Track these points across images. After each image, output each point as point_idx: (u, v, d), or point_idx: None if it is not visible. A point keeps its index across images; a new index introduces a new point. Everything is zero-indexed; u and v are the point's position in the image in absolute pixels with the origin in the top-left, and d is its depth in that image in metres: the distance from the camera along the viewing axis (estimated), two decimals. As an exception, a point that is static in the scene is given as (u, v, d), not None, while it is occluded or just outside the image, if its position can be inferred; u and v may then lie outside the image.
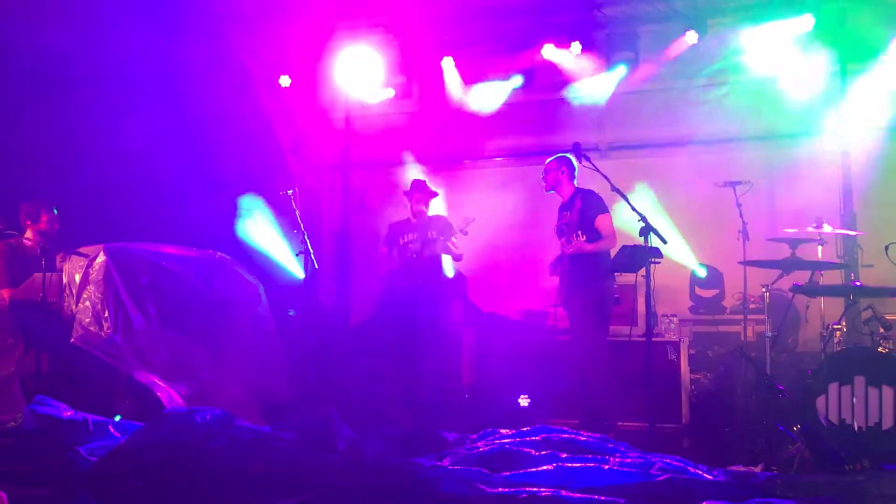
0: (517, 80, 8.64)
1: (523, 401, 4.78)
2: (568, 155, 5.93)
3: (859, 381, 4.26)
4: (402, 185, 7.50)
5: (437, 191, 7.15)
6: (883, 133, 8.33)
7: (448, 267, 8.32)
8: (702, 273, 8.04)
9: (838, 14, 7.81)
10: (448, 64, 8.73)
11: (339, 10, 8.65)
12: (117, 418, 4.81)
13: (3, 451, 4.22)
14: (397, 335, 6.79)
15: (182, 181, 7.30)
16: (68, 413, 4.50)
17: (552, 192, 6.12)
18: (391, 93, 9.10)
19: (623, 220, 5.86)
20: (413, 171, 8.88)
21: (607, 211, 5.82)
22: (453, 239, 6.65)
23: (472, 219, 6.60)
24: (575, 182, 6.03)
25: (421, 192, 6.97)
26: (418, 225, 6.92)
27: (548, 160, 6.11)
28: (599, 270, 5.82)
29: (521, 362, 6.84)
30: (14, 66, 7.20)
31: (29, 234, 6.08)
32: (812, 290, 5.23)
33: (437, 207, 7.35)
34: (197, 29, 8.24)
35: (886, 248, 4.66)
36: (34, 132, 7.30)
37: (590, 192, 5.91)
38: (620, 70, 8.42)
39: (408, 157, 9.36)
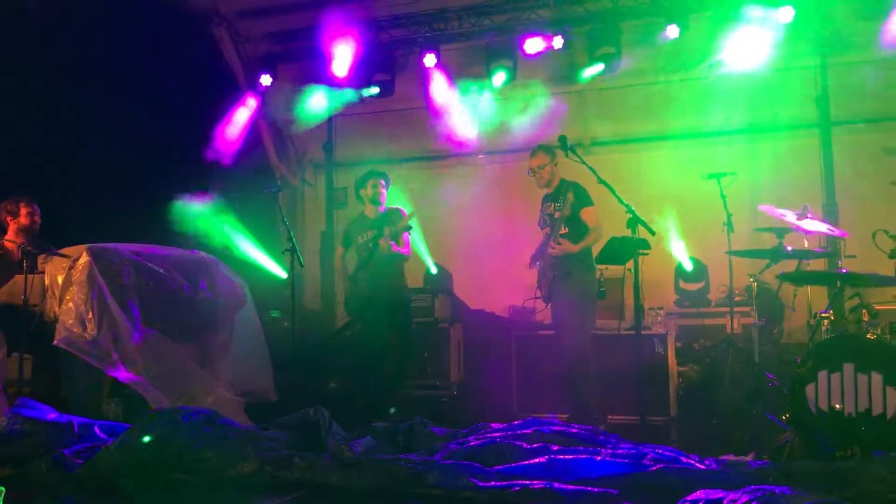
0: (501, 76, 8.61)
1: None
2: (552, 147, 5.87)
3: (848, 368, 4.25)
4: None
5: (391, 179, 6.70)
6: (863, 125, 8.43)
7: (431, 264, 8.31)
8: (689, 266, 8.06)
9: (818, 7, 7.86)
10: (430, 60, 8.70)
11: (322, 6, 8.62)
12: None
13: (-14, 455, 4.15)
14: (375, 334, 6.65)
15: (165, 179, 7.24)
16: (52, 415, 4.43)
17: (546, 186, 6.01)
18: (375, 90, 9.06)
19: (608, 213, 5.86)
20: (397, 168, 8.85)
21: (593, 204, 5.80)
22: (399, 236, 6.31)
23: (411, 214, 6.31)
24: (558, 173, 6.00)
25: (373, 177, 6.50)
26: (375, 221, 6.51)
27: (536, 152, 5.99)
28: (581, 263, 5.80)
29: (510, 357, 6.84)
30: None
31: (11, 232, 6.03)
32: (798, 277, 5.25)
33: (399, 201, 6.96)
34: (179, 26, 8.18)
35: (874, 235, 4.69)
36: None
37: (577, 184, 5.82)
38: (601, 66, 8.41)
39: (391, 154, 9.35)
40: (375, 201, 6.51)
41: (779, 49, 8.19)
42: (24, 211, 6.03)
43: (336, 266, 6.81)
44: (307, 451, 4.14)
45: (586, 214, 5.75)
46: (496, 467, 3.89)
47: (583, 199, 5.76)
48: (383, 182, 6.55)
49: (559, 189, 5.84)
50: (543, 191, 6.09)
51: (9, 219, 6.03)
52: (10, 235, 6.03)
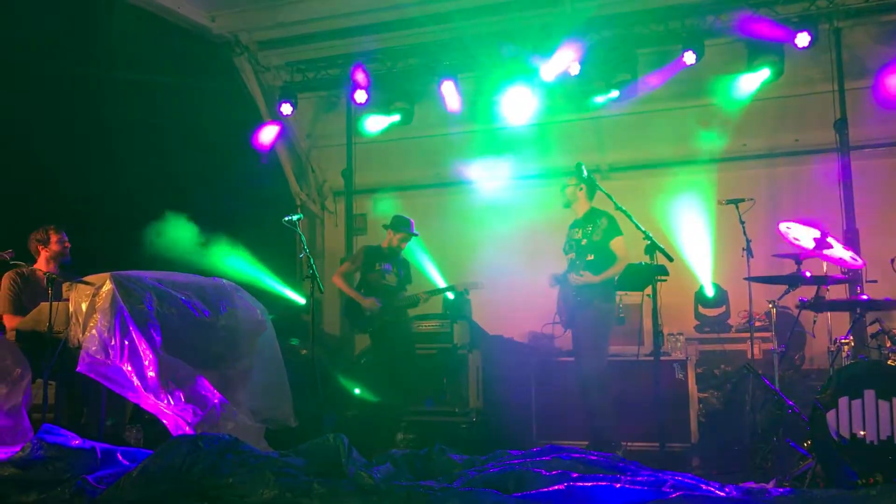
0: (519, 103, 8.65)
1: None
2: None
3: (869, 394, 4.24)
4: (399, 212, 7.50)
5: (418, 232, 7.37)
6: (882, 150, 8.40)
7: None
8: (710, 291, 8.04)
9: (835, 32, 7.88)
10: (448, 88, 8.77)
11: (342, 36, 8.76)
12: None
13: (11, 481, 4.19)
14: (394, 359, 6.88)
15: (185, 208, 7.33)
16: (76, 441, 4.47)
17: (567, 206, 6.13)
18: (395, 118, 9.15)
19: (626, 239, 5.88)
20: (416, 195, 8.90)
21: (622, 234, 5.85)
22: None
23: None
24: (591, 200, 6.03)
25: (406, 232, 7.16)
26: (390, 255, 7.19)
27: (567, 178, 6.12)
28: (602, 292, 5.82)
29: (528, 384, 6.83)
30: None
31: (42, 260, 6.10)
32: (818, 305, 5.22)
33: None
34: (201, 56, 8.33)
35: (892, 260, 4.67)
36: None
37: (609, 213, 5.86)
38: (615, 92, 8.43)
39: (410, 180, 9.41)
40: (395, 251, 7.19)
41: (796, 73, 8.21)
42: (53, 238, 6.12)
43: (338, 280, 7.22)
44: (327, 477, 4.15)
45: (615, 244, 5.83)
46: (515, 494, 3.88)
47: (614, 228, 5.84)
48: (410, 241, 7.27)
49: (588, 216, 5.92)
50: (566, 217, 6.15)
51: (40, 247, 6.11)
52: (40, 263, 6.09)
